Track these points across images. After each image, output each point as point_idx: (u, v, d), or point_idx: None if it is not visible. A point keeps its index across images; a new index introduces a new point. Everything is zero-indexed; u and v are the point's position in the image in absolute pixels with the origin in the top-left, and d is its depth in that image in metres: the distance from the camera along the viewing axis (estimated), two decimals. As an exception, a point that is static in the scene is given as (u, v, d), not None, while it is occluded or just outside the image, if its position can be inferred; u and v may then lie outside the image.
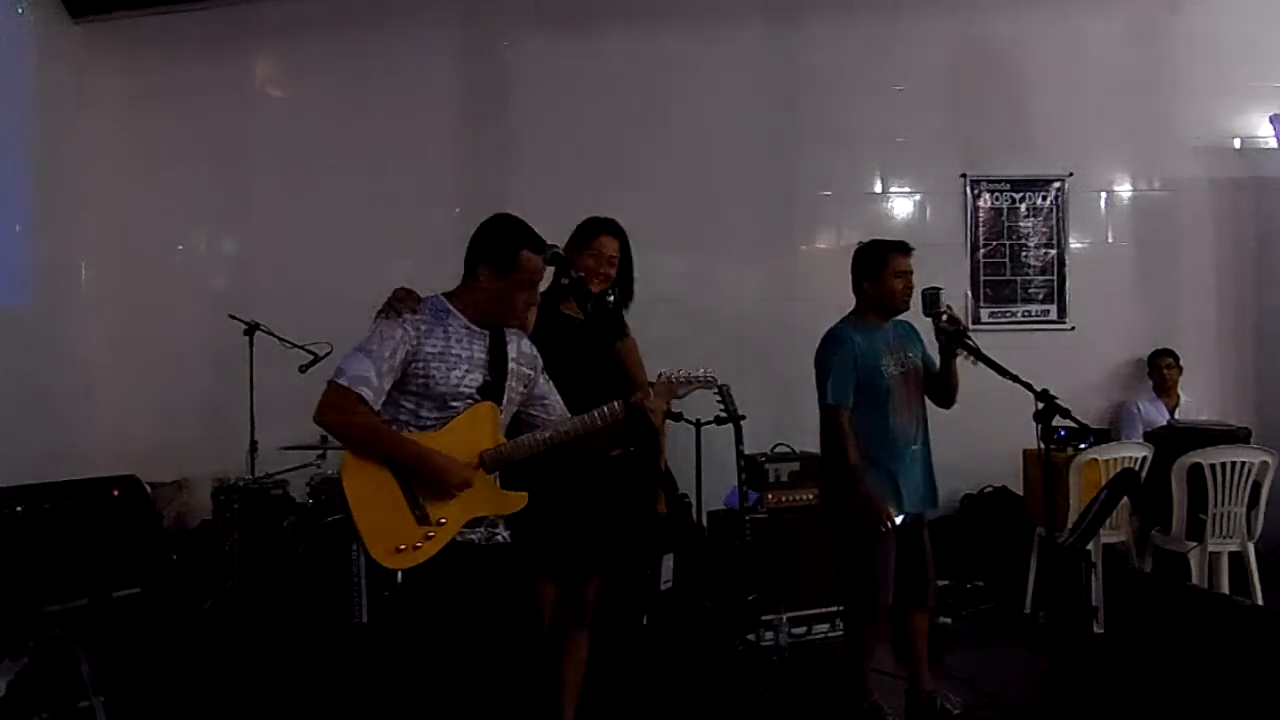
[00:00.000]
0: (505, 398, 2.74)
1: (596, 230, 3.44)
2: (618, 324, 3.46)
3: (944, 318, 3.63)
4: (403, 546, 2.57)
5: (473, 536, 2.70)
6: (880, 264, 3.74)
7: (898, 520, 3.64)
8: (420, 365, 2.61)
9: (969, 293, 6.28)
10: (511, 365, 2.76)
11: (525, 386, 2.82)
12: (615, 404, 2.72)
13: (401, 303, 2.67)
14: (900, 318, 3.83)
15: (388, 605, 2.63)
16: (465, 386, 2.65)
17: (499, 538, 2.77)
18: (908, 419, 3.74)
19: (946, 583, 5.50)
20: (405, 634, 2.65)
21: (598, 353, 3.04)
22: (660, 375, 2.83)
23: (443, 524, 2.62)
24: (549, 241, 2.86)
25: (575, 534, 3.21)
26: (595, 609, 3.43)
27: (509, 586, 2.76)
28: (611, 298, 3.45)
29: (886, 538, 3.62)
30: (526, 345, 2.86)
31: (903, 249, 3.78)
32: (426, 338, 2.63)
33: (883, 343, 3.75)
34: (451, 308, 2.72)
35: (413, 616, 2.63)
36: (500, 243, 2.70)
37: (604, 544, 3.30)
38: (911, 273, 3.75)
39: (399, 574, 2.58)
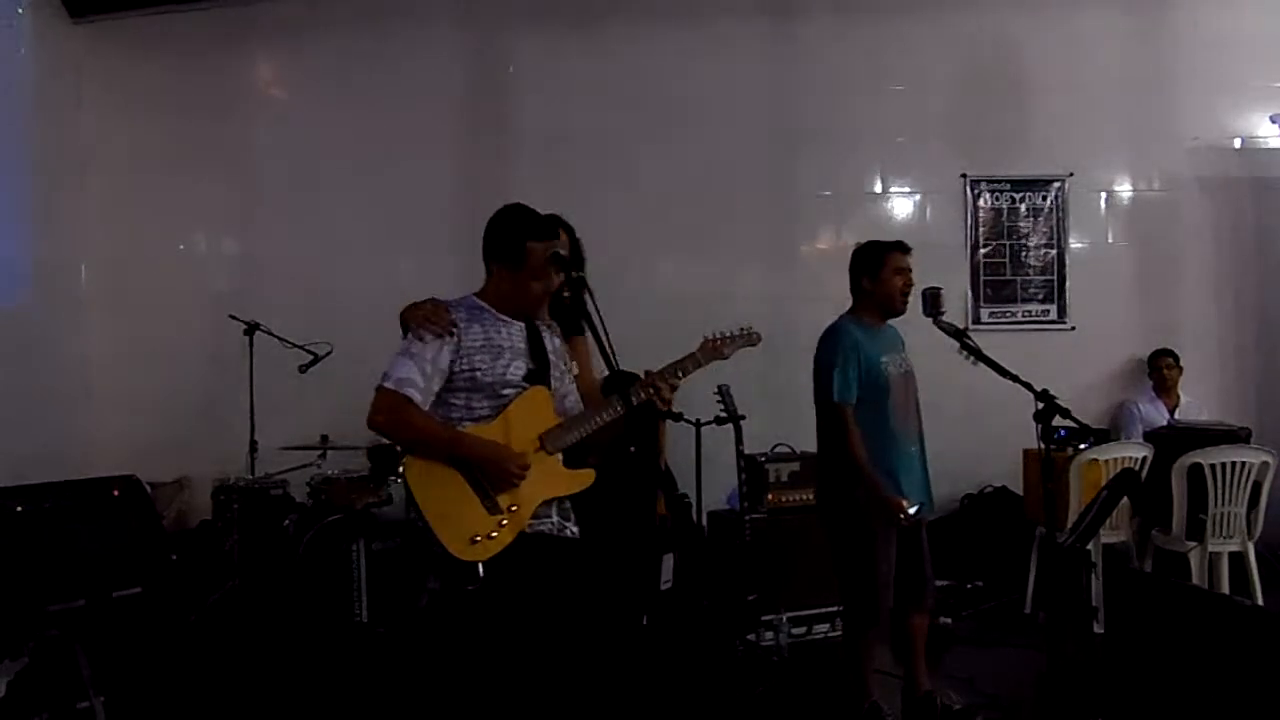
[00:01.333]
0: (551, 385, 2.79)
1: None
2: (574, 320, 3.37)
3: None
4: (478, 537, 2.59)
5: (543, 527, 2.73)
6: (880, 262, 3.74)
7: (911, 511, 3.62)
8: (465, 360, 2.65)
9: (969, 293, 6.28)
10: (551, 357, 2.83)
11: (560, 379, 2.86)
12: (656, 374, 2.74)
13: (437, 321, 2.65)
14: (891, 323, 3.84)
15: (469, 600, 2.61)
16: (512, 374, 2.70)
17: (569, 531, 2.80)
18: (906, 420, 3.73)
19: (946, 583, 5.51)
20: (490, 628, 2.64)
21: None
22: (705, 338, 2.88)
23: (514, 510, 2.65)
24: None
25: None
26: (595, 609, 3.41)
27: (578, 581, 2.76)
28: (567, 294, 3.40)
29: (888, 537, 3.61)
30: (556, 341, 2.91)
31: (902, 248, 3.78)
32: (466, 333, 2.67)
33: (882, 342, 3.74)
34: (483, 304, 2.77)
35: (497, 609, 2.63)
36: (505, 239, 2.74)
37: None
38: (910, 271, 3.75)
39: (480, 566, 2.58)
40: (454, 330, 2.66)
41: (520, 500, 2.66)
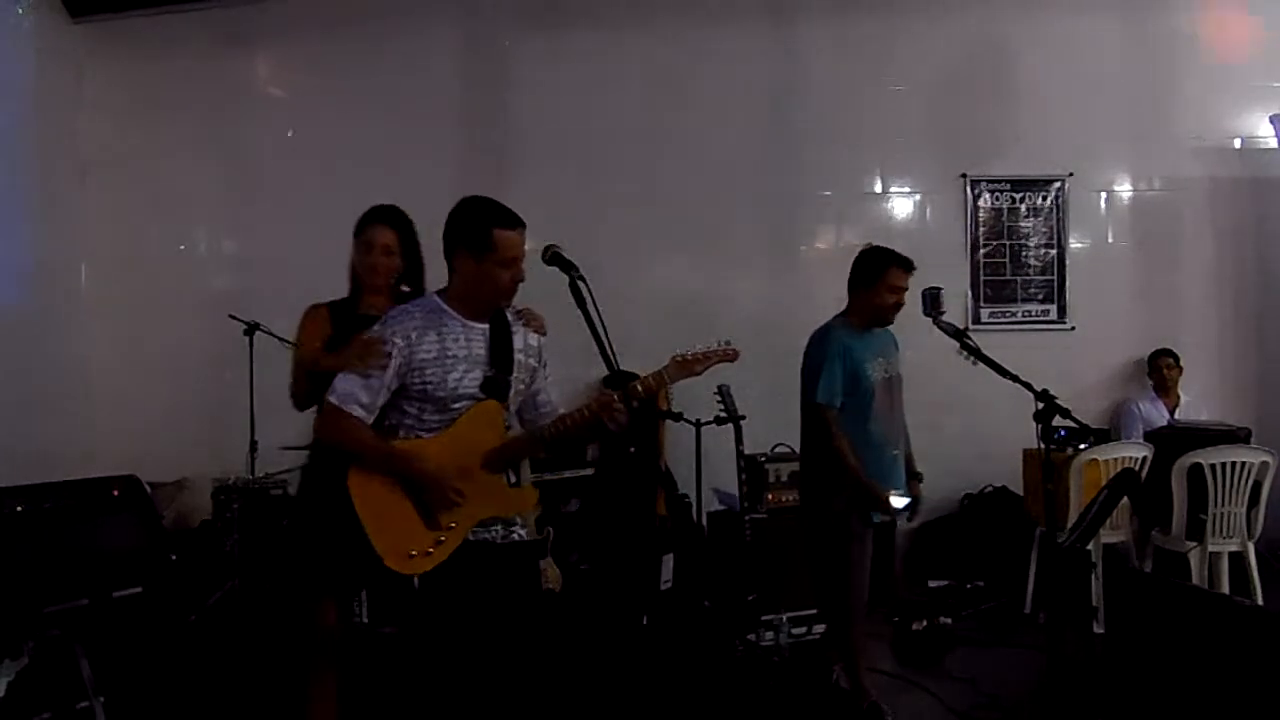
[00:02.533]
0: (511, 390, 2.71)
1: (366, 222, 3.34)
2: None
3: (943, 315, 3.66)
4: (414, 552, 2.58)
5: (487, 535, 2.70)
6: (878, 274, 3.76)
7: (900, 505, 3.64)
8: (416, 373, 2.61)
9: (969, 293, 6.28)
10: (518, 357, 2.74)
11: (530, 378, 2.80)
12: (615, 395, 2.63)
13: (369, 358, 2.60)
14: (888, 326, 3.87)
15: (406, 609, 2.66)
16: (465, 387, 2.64)
17: (515, 535, 2.77)
18: (889, 423, 3.77)
19: (946, 583, 5.52)
20: (425, 635, 2.64)
21: None
22: (675, 355, 2.74)
23: (452, 528, 2.62)
24: (551, 242, 2.84)
25: (350, 549, 2.76)
26: (596, 608, 3.43)
27: (525, 583, 2.76)
28: (406, 289, 3.29)
29: (865, 538, 3.66)
30: (533, 338, 2.82)
31: (904, 265, 3.77)
32: (419, 344, 2.61)
33: (870, 347, 3.78)
34: (446, 306, 2.69)
35: (431, 618, 2.63)
36: (470, 226, 2.65)
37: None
38: (906, 289, 3.77)
39: (415, 578, 2.59)
40: (389, 355, 2.58)
41: (459, 519, 2.64)
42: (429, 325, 2.64)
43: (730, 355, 2.76)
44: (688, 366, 2.72)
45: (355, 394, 2.58)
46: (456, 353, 2.64)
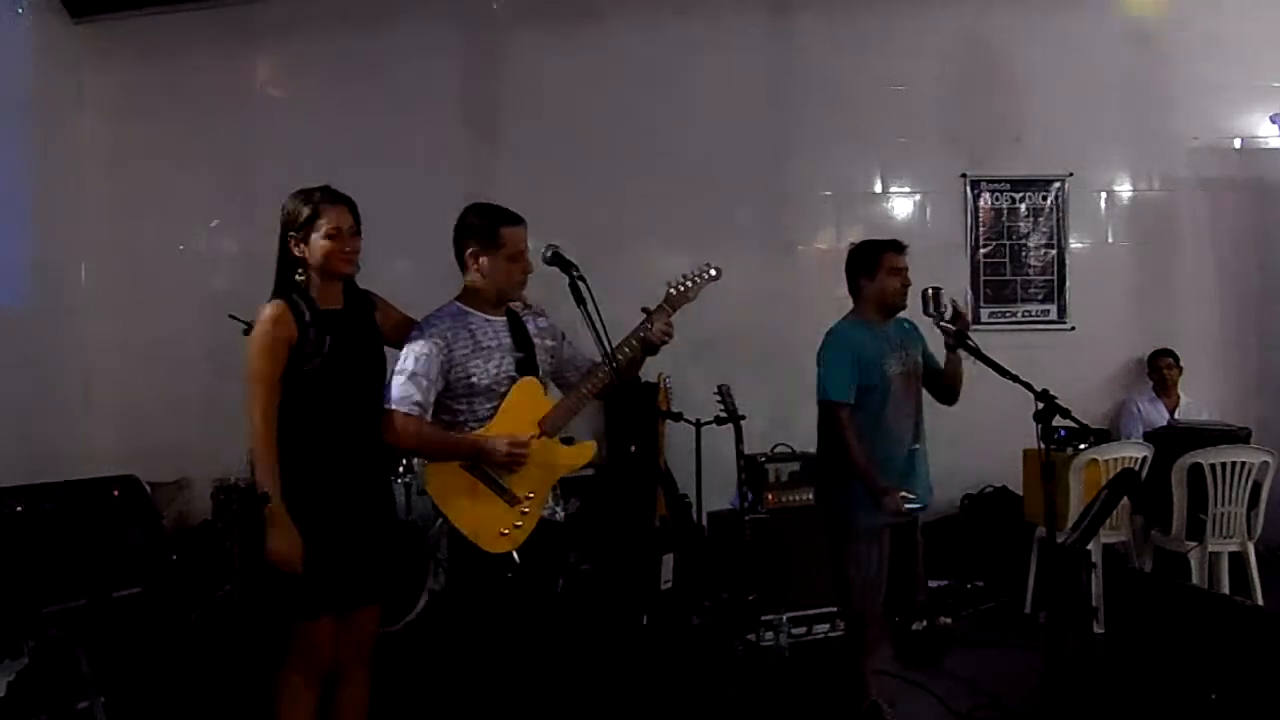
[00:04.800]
0: (540, 370, 2.95)
1: (325, 203, 2.81)
2: (363, 292, 2.99)
3: (947, 313, 3.63)
4: (505, 530, 2.78)
5: (544, 512, 2.91)
6: (875, 262, 3.74)
7: (911, 506, 3.62)
8: (459, 369, 2.80)
9: (969, 293, 6.27)
10: (535, 340, 2.97)
11: (552, 357, 3.03)
12: (647, 325, 2.97)
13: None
14: (903, 316, 3.84)
15: (510, 585, 2.80)
16: (504, 372, 2.85)
17: (557, 515, 2.99)
18: (907, 419, 3.75)
19: (946, 583, 5.52)
20: (518, 618, 2.83)
21: (373, 330, 2.90)
22: (669, 287, 3.11)
23: (531, 497, 2.84)
24: (551, 241, 2.94)
25: (346, 558, 2.79)
26: (596, 609, 3.45)
27: (560, 564, 3.05)
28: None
29: (876, 538, 3.64)
30: (541, 320, 3.04)
31: (896, 247, 3.78)
32: (455, 343, 2.81)
33: (885, 341, 3.74)
34: (466, 307, 2.90)
35: (526, 598, 2.84)
36: (478, 228, 2.89)
37: (377, 566, 2.89)
38: (907, 269, 3.75)
39: (514, 554, 2.78)
40: (433, 352, 2.79)
41: (535, 487, 2.84)
42: (459, 325, 2.85)
43: (715, 275, 3.20)
44: (683, 295, 3.11)
45: (410, 395, 2.76)
46: (489, 344, 2.86)
